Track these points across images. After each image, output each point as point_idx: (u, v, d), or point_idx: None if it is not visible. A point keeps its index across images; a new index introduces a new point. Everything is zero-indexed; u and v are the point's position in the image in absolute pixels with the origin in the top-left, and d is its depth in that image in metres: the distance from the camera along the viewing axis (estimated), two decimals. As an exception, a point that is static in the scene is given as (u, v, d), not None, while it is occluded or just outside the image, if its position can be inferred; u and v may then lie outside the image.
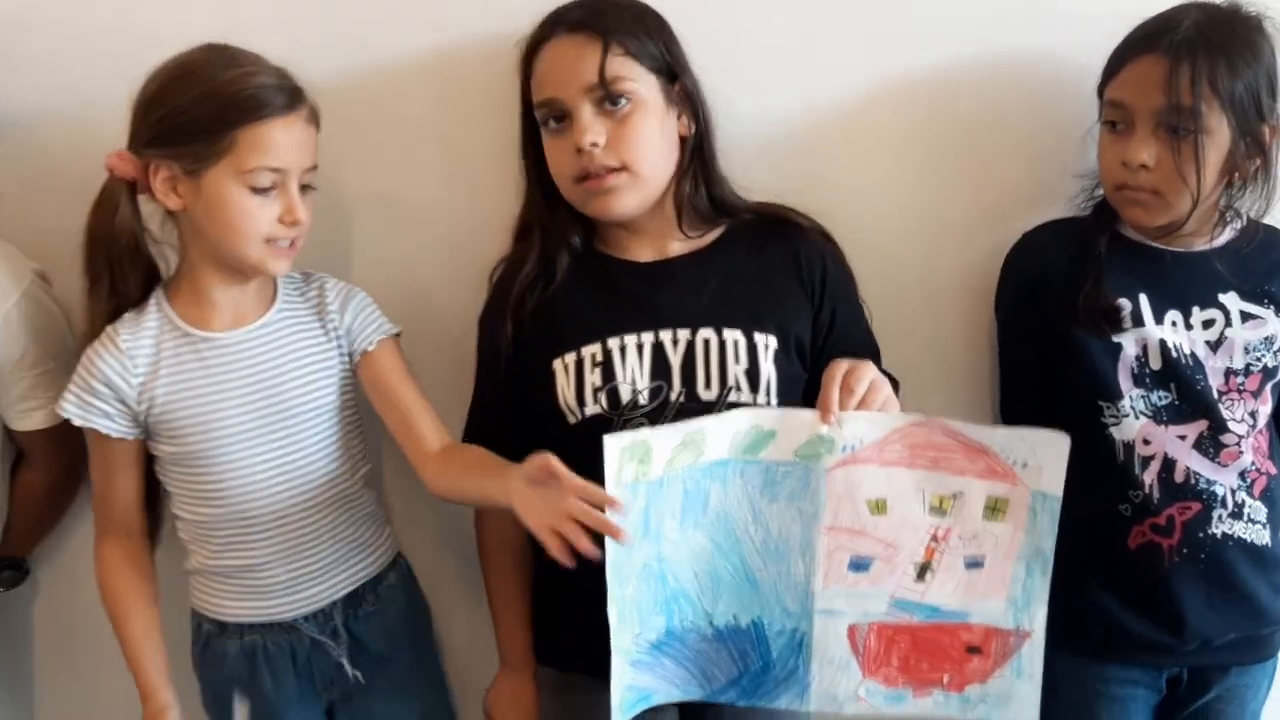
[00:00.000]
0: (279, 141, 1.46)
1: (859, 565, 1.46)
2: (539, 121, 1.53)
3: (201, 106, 1.44)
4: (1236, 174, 1.51)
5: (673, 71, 1.53)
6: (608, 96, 1.47)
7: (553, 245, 1.57)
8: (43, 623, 1.91)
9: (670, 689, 1.50)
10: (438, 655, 1.78)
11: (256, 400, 1.53)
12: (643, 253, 1.58)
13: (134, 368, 1.51)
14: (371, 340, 1.59)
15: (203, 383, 1.52)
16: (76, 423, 1.52)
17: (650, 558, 1.43)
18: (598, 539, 1.34)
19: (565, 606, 1.52)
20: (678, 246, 1.58)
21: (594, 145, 1.47)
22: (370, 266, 1.75)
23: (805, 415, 1.43)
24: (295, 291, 1.61)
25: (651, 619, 1.46)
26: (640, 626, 1.45)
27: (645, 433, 1.37)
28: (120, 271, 1.53)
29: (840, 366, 1.44)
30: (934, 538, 1.45)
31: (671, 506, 1.42)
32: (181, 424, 1.52)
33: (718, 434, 1.41)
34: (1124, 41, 1.53)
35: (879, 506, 1.45)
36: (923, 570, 1.46)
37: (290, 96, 1.48)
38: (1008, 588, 1.46)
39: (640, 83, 1.49)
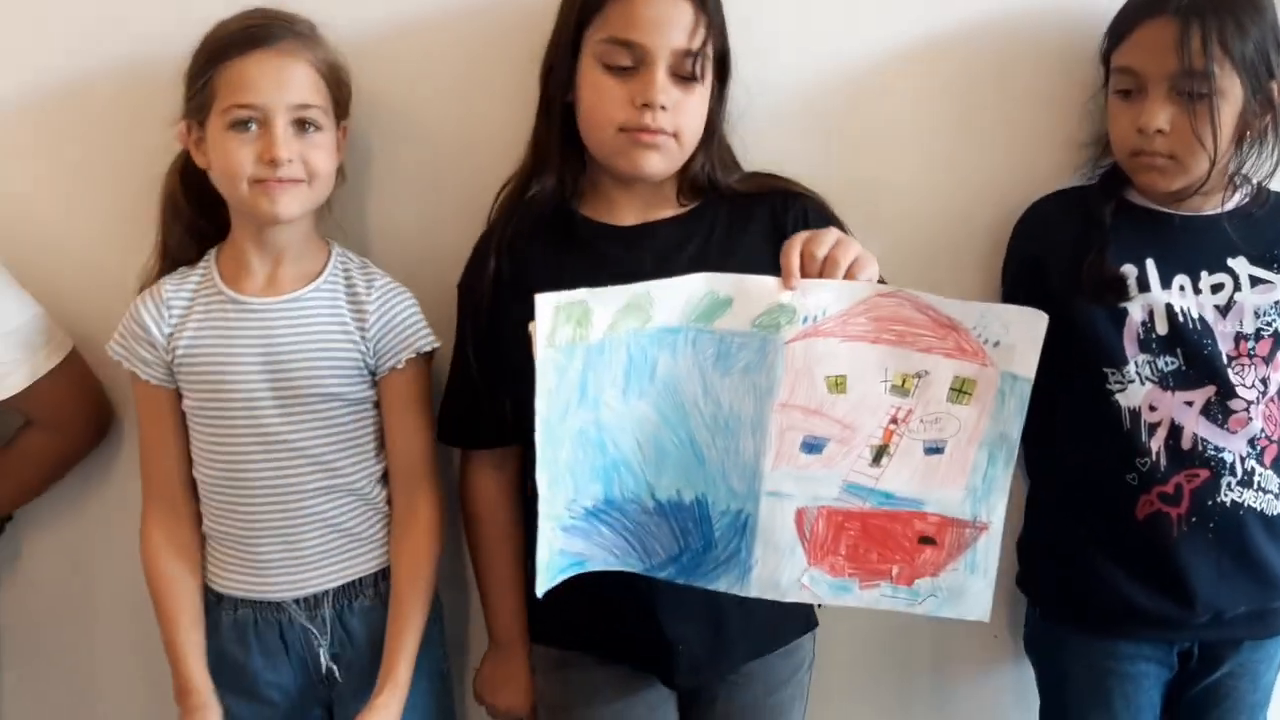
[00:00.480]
0: (251, 77, 1.44)
1: (812, 447, 1.37)
2: (598, 55, 1.45)
3: (197, 59, 1.48)
4: (1249, 132, 1.49)
5: (725, 59, 1.52)
6: (688, 66, 1.45)
7: (550, 166, 1.52)
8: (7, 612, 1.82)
9: (607, 557, 1.41)
10: (443, 665, 1.69)
11: (268, 370, 1.51)
12: (626, 216, 1.54)
13: (168, 315, 1.53)
14: (399, 359, 1.55)
15: (222, 340, 1.52)
16: (124, 365, 1.54)
17: (587, 424, 1.33)
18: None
19: (564, 586, 1.44)
20: (662, 213, 1.54)
21: (664, 108, 1.44)
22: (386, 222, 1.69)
23: (766, 282, 1.32)
24: (342, 275, 1.56)
25: (588, 486, 1.37)
26: (575, 493, 1.36)
27: (583, 292, 1.27)
28: (171, 232, 1.58)
29: (801, 234, 1.33)
30: (894, 419, 1.36)
31: (613, 373, 1.32)
32: (196, 375, 1.52)
33: (668, 299, 1.31)
34: (1127, 6, 1.52)
35: (838, 384, 1.35)
36: (879, 454, 1.37)
37: (267, 33, 1.46)
38: (967, 476, 1.38)
39: (710, 62, 1.48)
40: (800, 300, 1.31)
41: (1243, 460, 1.54)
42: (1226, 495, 1.54)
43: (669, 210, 1.54)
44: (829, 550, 1.41)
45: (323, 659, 1.57)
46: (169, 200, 1.57)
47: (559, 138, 1.51)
